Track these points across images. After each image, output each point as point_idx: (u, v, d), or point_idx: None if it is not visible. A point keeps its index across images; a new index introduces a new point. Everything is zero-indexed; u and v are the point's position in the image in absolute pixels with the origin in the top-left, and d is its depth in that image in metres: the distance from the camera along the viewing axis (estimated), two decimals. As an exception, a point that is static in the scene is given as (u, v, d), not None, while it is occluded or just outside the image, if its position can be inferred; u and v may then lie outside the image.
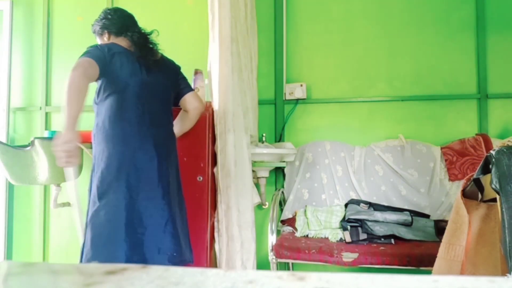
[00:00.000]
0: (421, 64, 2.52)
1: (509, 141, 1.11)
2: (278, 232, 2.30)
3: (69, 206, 2.23)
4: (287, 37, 2.67)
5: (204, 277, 0.32)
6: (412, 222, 2.08)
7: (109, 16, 1.76)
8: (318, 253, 1.88)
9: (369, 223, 2.06)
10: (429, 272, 1.68)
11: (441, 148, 2.37)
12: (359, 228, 2.07)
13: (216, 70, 1.99)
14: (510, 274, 1.00)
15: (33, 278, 0.34)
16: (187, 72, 2.36)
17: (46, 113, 2.87)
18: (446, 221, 1.50)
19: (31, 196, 2.87)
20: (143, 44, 1.71)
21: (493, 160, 1.07)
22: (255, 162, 2.23)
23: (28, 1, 2.97)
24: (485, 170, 1.13)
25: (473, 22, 2.47)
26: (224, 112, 1.93)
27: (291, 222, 2.32)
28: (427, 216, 2.20)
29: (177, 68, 1.92)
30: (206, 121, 2.03)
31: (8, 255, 2.85)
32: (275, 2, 2.68)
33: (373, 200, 2.33)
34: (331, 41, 2.62)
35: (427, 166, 2.34)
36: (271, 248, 2.00)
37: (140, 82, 1.63)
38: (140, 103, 1.62)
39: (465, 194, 1.29)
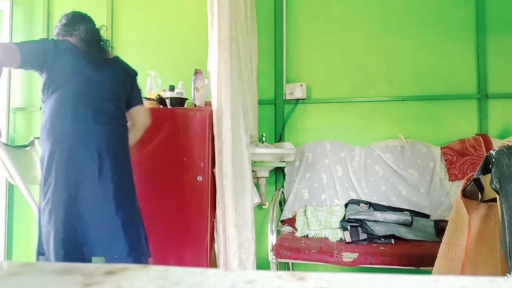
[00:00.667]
0: (421, 64, 2.52)
1: (509, 141, 1.11)
2: (278, 232, 2.30)
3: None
4: (287, 37, 2.67)
5: (204, 277, 0.32)
6: (412, 222, 2.08)
7: (63, 20, 1.76)
8: (318, 253, 1.88)
9: (369, 223, 2.06)
10: (429, 272, 1.68)
11: (441, 148, 2.37)
12: (359, 228, 2.07)
13: (215, 70, 1.99)
14: (510, 274, 1.00)
15: (33, 278, 0.34)
16: (187, 72, 2.38)
17: (46, 113, 2.87)
18: (446, 221, 1.50)
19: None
20: (90, 40, 1.67)
21: (493, 160, 1.07)
22: (255, 162, 2.23)
23: (28, 1, 2.97)
24: (485, 170, 1.13)
25: (473, 22, 2.47)
26: (223, 112, 1.93)
27: (291, 222, 2.32)
28: (427, 216, 2.20)
29: (133, 73, 1.87)
30: (206, 121, 2.03)
31: (8, 255, 2.85)
32: (275, 2, 2.68)
33: (373, 200, 2.33)
34: (331, 41, 2.62)
35: (427, 166, 2.34)
36: (271, 248, 2.00)
37: (86, 78, 1.62)
38: (83, 100, 1.59)
39: (465, 194, 1.29)
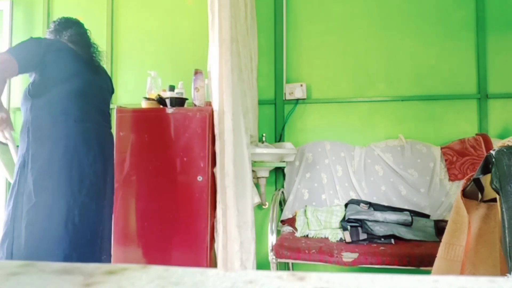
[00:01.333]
0: (421, 64, 2.52)
1: (509, 141, 1.11)
2: (278, 232, 2.30)
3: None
4: (287, 37, 2.67)
5: (204, 277, 0.32)
6: (412, 222, 2.08)
7: (52, 27, 1.78)
8: (318, 253, 1.88)
9: (369, 223, 2.06)
10: (429, 272, 1.68)
11: (441, 148, 2.37)
12: (359, 228, 2.07)
13: (216, 70, 1.99)
14: (510, 274, 1.00)
15: (33, 278, 0.34)
16: (187, 72, 2.38)
17: (46, 113, 2.87)
18: (446, 221, 1.50)
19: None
20: (82, 44, 1.70)
21: (493, 160, 1.07)
22: (255, 162, 2.23)
23: (28, 1, 2.97)
24: (485, 170, 1.13)
25: (473, 22, 2.48)
26: (224, 112, 1.93)
27: (291, 222, 2.32)
28: (427, 216, 2.20)
29: (113, 89, 1.93)
30: (206, 121, 2.04)
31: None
32: (275, 2, 2.68)
33: (373, 200, 2.33)
34: (331, 41, 2.62)
35: (427, 166, 2.34)
36: (271, 248, 2.00)
37: (85, 79, 1.64)
38: (85, 99, 1.62)
39: (465, 194, 1.29)
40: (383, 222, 2.08)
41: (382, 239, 2.01)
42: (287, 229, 2.31)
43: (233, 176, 1.90)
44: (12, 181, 2.22)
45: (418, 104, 2.51)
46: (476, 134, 2.36)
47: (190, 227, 2.03)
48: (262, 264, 2.41)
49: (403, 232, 2.04)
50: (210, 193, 2.01)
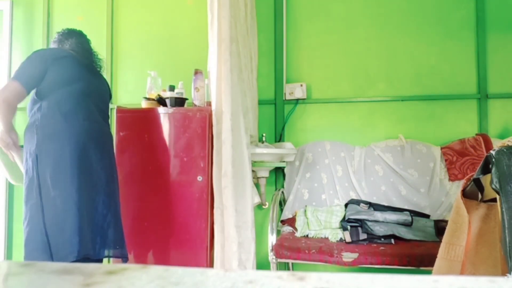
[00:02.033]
0: (421, 64, 2.52)
1: (509, 141, 1.11)
2: (278, 232, 2.30)
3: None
4: (287, 37, 2.67)
5: (204, 277, 0.32)
6: (412, 222, 2.08)
7: (56, 37, 1.91)
8: (318, 253, 1.88)
9: (369, 223, 2.06)
10: (429, 272, 1.68)
11: (441, 148, 2.37)
12: (359, 228, 2.06)
13: (215, 70, 1.99)
14: (510, 274, 1.00)
15: (33, 278, 0.34)
16: (187, 72, 2.38)
17: (46, 113, 2.87)
18: (446, 221, 1.50)
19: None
20: (83, 52, 1.85)
21: (493, 160, 1.07)
22: (255, 162, 2.23)
23: (28, 1, 2.97)
24: (485, 170, 1.13)
25: (473, 22, 2.48)
26: (223, 112, 1.93)
27: (291, 222, 2.32)
28: (427, 216, 2.20)
29: (110, 91, 2.03)
30: (206, 121, 2.04)
31: (8, 255, 2.85)
32: (275, 2, 2.68)
33: (373, 200, 2.33)
34: (331, 41, 2.62)
35: (427, 166, 2.34)
36: (271, 248, 2.00)
37: (88, 81, 1.78)
38: (89, 101, 1.75)
39: (465, 194, 1.29)
40: (383, 222, 2.08)
41: (382, 239, 2.01)
42: (287, 229, 2.31)
43: (232, 176, 1.90)
44: (12, 182, 2.22)
45: (418, 104, 2.51)
46: (476, 134, 2.36)
47: (190, 227, 2.03)
48: (262, 264, 2.41)
49: (403, 232, 2.04)
50: (210, 193, 2.01)
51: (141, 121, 2.13)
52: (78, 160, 1.63)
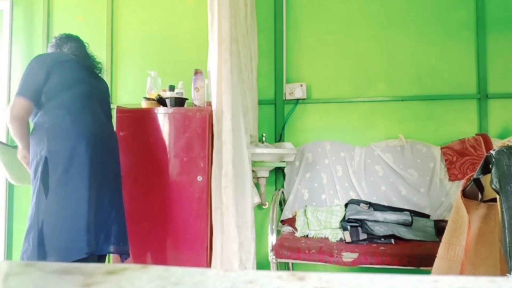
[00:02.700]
0: (421, 64, 2.52)
1: (509, 141, 1.11)
2: (278, 232, 2.30)
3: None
4: (287, 37, 2.67)
5: (204, 277, 0.32)
6: (412, 222, 2.08)
7: (53, 42, 1.92)
8: (318, 253, 1.88)
9: (369, 223, 2.06)
10: (429, 272, 1.68)
11: (441, 148, 2.37)
12: (359, 228, 2.07)
13: (215, 70, 1.99)
14: (510, 274, 1.00)
15: (33, 278, 0.34)
16: (187, 72, 2.38)
17: (46, 113, 2.87)
18: (446, 221, 1.50)
19: (31, 196, 2.87)
20: (82, 55, 1.87)
21: (493, 160, 1.07)
22: (255, 162, 2.23)
23: (28, 1, 2.97)
24: (485, 170, 1.13)
25: (473, 22, 2.48)
26: (223, 112, 1.93)
27: (291, 222, 2.32)
28: (427, 216, 2.20)
29: (109, 93, 2.05)
30: (206, 121, 2.04)
31: (8, 255, 2.85)
32: (275, 2, 2.68)
33: (373, 200, 2.33)
34: (331, 41, 2.62)
35: (427, 166, 2.34)
36: (271, 248, 2.00)
37: (91, 84, 1.81)
38: (93, 102, 1.78)
39: (465, 194, 1.29)
40: (383, 222, 2.08)
41: (382, 239, 2.01)
42: (287, 229, 2.31)
43: (232, 176, 1.90)
44: (12, 182, 2.22)
45: (418, 104, 2.51)
46: (476, 134, 2.36)
47: (190, 227, 2.03)
48: (262, 264, 2.41)
49: (403, 232, 2.04)
50: (210, 193, 2.01)
51: (141, 121, 2.13)
52: (89, 160, 1.65)
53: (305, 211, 2.29)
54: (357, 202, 2.27)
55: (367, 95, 2.56)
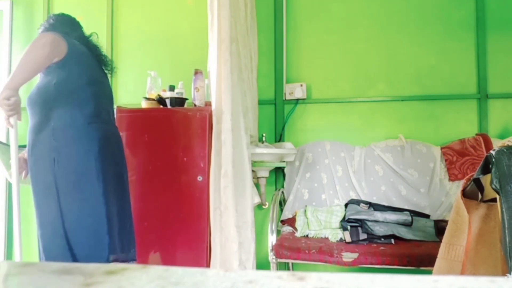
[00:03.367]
0: (421, 64, 2.52)
1: (509, 141, 1.11)
2: (278, 232, 2.30)
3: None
4: (287, 37, 2.67)
5: (204, 277, 0.32)
6: (412, 222, 2.08)
7: (51, 21, 1.76)
8: (318, 253, 1.88)
9: (369, 223, 2.06)
10: (429, 272, 1.68)
11: (441, 148, 2.37)
12: (359, 228, 2.07)
13: (215, 70, 1.99)
14: (510, 274, 1.00)
15: (33, 278, 0.34)
16: (187, 72, 2.38)
17: (46, 113, 2.87)
18: (446, 221, 1.50)
19: (31, 196, 2.87)
20: (93, 48, 1.74)
21: (493, 160, 1.07)
22: (255, 162, 2.23)
23: (28, 1, 2.97)
24: (485, 170, 1.13)
25: (473, 22, 2.47)
26: (223, 112, 1.93)
27: (291, 222, 2.32)
28: (427, 216, 2.20)
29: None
30: (206, 121, 2.04)
31: (8, 255, 2.85)
32: (275, 2, 2.68)
33: (373, 200, 2.33)
34: (331, 41, 2.62)
35: (427, 166, 2.34)
36: (271, 248, 2.00)
37: (105, 83, 1.73)
38: (108, 103, 1.71)
39: (465, 194, 1.29)
40: (383, 222, 2.08)
41: (382, 239, 2.01)
42: (287, 229, 2.31)
43: (232, 176, 1.90)
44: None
45: (418, 104, 2.51)
46: (476, 134, 2.36)
47: (190, 227, 2.03)
48: (262, 264, 2.41)
49: (403, 232, 2.04)
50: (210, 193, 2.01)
51: (141, 121, 2.13)
52: (102, 163, 1.57)
53: (305, 211, 2.29)
54: (357, 202, 2.27)
55: (367, 95, 2.56)
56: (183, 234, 2.03)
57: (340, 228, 2.15)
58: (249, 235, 1.95)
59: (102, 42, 2.80)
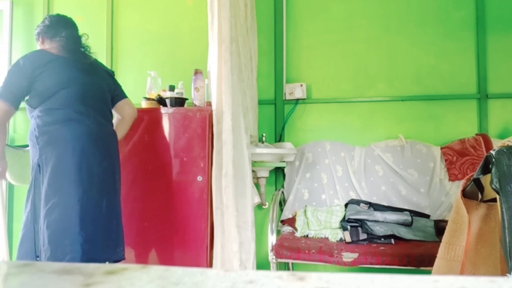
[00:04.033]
0: (421, 64, 2.52)
1: (509, 141, 1.11)
2: (278, 232, 2.30)
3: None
4: (287, 37, 2.67)
5: (204, 277, 0.32)
6: (412, 222, 2.08)
7: (46, 22, 1.80)
8: (318, 253, 1.88)
9: (369, 223, 2.06)
10: (429, 272, 1.68)
11: (441, 148, 2.37)
12: (359, 228, 2.07)
13: (215, 70, 1.99)
14: (510, 274, 1.00)
15: (33, 278, 0.34)
16: (187, 72, 2.37)
17: (46, 113, 2.87)
18: (446, 221, 1.50)
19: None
20: (73, 48, 1.74)
21: (493, 160, 1.07)
22: (255, 162, 2.23)
23: (28, 1, 2.97)
24: (485, 170, 1.13)
25: (473, 22, 2.48)
26: (223, 112, 1.93)
27: (291, 222, 2.32)
28: (427, 216, 2.20)
29: (112, 73, 1.95)
30: (206, 121, 2.04)
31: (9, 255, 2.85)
32: (275, 2, 2.68)
33: (373, 200, 2.33)
34: (331, 41, 2.62)
35: (427, 166, 2.34)
36: (271, 248, 2.00)
37: (81, 83, 1.69)
38: (84, 103, 1.68)
39: (465, 194, 1.29)
40: (383, 222, 2.08)
41: (382, 239, 2.01)
42: (287, 229, 2.31)
43: (232, 176, 1.90)
44: (12, 182, 2.22)
45: (418, 104, 2.51)
46: (476, 134, 2.36)
47: (190, 227, 2.03)
48: (262, 264, 2.41)
49: (403, 232, 2.04)
50: (210, 193, 2.01)
51: (141, 121, 2.13)
52: (77, 165, 1.59)
53: (305, 211, 2.29)
54: (357, 202, 2.27)
55: (367, 95, 2.56)
56: (183, 234, 2.03)
57: (340, 228, 2.15)
58: (249, 235, 1.95)
59: (102, 42, 2.82)
